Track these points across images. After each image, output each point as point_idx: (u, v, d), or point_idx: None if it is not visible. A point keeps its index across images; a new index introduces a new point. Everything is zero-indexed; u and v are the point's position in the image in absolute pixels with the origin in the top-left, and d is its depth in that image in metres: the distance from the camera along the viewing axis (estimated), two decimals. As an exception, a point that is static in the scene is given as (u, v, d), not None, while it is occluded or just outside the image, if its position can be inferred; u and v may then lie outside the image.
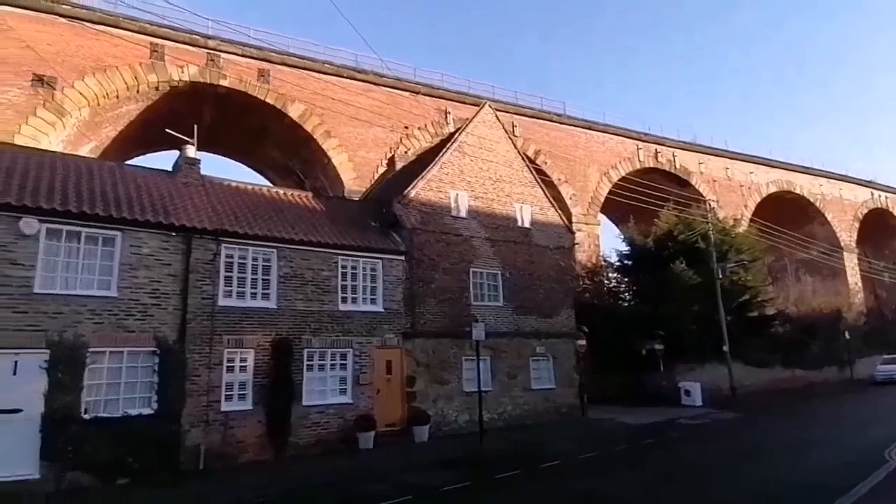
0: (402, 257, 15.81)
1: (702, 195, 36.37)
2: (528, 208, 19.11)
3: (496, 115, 19.88)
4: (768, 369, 26.27)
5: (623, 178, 34.84)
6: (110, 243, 11.44)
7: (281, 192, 17.70)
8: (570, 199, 32.78)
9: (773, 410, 19.66)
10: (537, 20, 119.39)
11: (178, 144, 15.59)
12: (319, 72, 26.74)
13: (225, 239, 12.85)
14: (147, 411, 11.09)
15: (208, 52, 24.38)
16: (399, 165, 23.45)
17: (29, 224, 10.42)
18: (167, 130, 16.26)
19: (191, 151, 15.05)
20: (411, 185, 16.74)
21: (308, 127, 26.20)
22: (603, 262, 29.85)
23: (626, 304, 27.24)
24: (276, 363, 12.90)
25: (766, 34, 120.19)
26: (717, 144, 40.96)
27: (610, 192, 34.53)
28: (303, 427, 13.07)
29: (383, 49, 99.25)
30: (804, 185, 44.65)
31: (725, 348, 22.19)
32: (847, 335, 30.84)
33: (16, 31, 20.92)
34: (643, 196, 30.16)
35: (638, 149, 36.80)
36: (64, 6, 22.05)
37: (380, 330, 14.93)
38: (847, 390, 25.83)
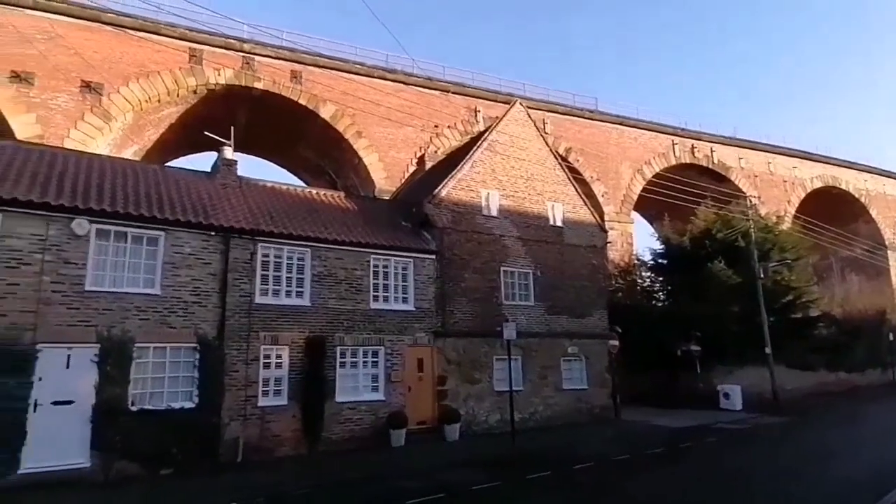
0: (433, 256, 15.91)
1: (742, 191, 35.24)
2: (561, 207, 18.94)
3: (527, 113, 19.75)
4: (812, 372, 25.34)
5: (657, 175, 34.06)
6: (154, 243, 11.90)
7: (315, 192, 18.04)
8: (603, 196, 32.29)
9: (819, 414, 18.98)
10: (566, 9, 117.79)
11: (216, 146, 16.05)
12: (350, 72, 27.07)
13: (261, 238, 13.20)
14: (189, 405, 11.52)
15: (243, 56, 25.01)
16: (429, 165, 23.58)
17: (81, 225, 10.95)
18: (206, 133, 16.79)
19: (228, 153, 15.49)
20: (442, 185, 16.81)
21: (339, 127, 26.58)
22: (636, 261, 29.28)
23: (659, 304, 26.68)
24: (309, 360, 13.19)
25: (811, 25, 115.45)
26: (759, 138, 39.64)
27: (643, 190, 33.83)
28: (336, 423, 13.34)
29: (413, 48, 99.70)
30: (849, 181, 42.80)
31: (768, 350, 21.49)
32: (891, 336, 29.59)
33: (65, 38, 21.93)
34: (678, 193, 29.43)
35: (673, 144, 35.93)
36: (109, 14, 22.98)
37: (411, 328, 15.07)
38: (891, 393, 24.91)
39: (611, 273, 25.47)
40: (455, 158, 19.62)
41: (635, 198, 33.81)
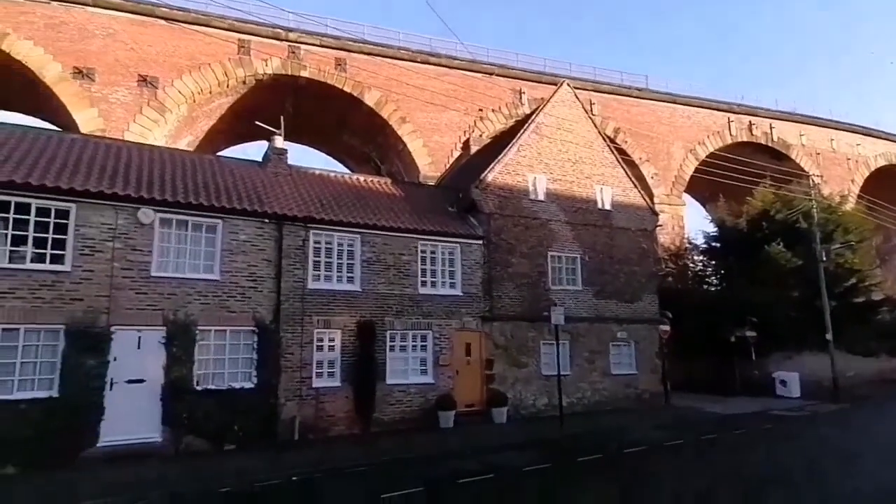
0: (480, 242, 15.90)
1: (803, 170, 33.39)
2: (609, 190, 18.49)
3: (575, 94, 19.27)
4: (874, 359, 24.07)
5: (711, 155, 32.70)
6: (212, 230, 12.40)
7: (362, 178, 18.30)
8: (652, 178, 31.29)
9: (881, 402, 18.01)
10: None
11: (266, 136, 16.49)
12: (394, 58, 27.11)
13: (312, 225, 13.54)
14: (248, 385, 12.06)
15: (289, 45, 25.44)
16: (473, 149, 23.42)
17: (146, 214, 11.54)
18: (256, 123, 17.28)
19: (278, 142, 15.87)
20: (488, 169, 16.69)
21: (384, 114, 26.74)
22: (688, 245, 28.32)
23: (712, 289, 25.78)
24: (360, 343, 13.52)
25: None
26: (821, 114, 37.35)
27: (696, 170, 32.56)
28: (387, 404, 13.67)
29: (460, 30, 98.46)
30: (915, 159, 39.93)
31: (829, 336, 20.47)
32: None
33: (120, 34, 22.90)
34: (734, 173, 28.15)
35: (729, 121, 34.32)
36: (162, 8, 23.80)
37: (458, 313, 15.18)
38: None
39: (661, 257, 24.76)
40: (500, 142, 19.42)
41: (687, 179, 32.62)
